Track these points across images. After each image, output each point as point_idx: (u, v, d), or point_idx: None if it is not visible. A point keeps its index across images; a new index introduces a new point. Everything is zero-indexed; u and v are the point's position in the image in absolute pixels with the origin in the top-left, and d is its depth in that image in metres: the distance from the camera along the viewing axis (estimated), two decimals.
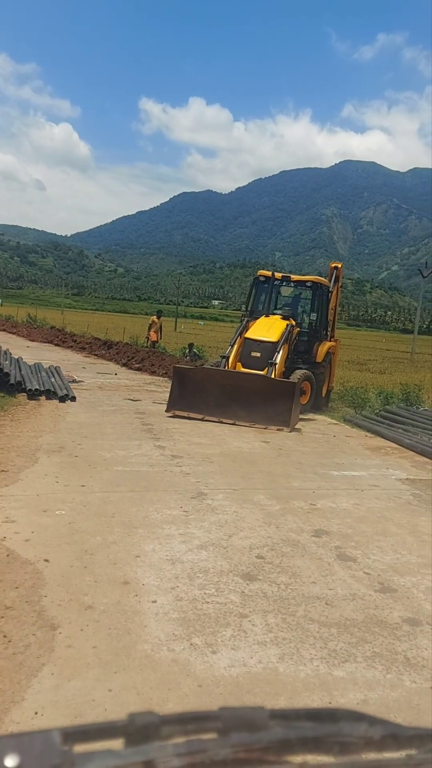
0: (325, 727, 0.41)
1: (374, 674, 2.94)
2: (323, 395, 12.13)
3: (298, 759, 0.39)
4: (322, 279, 12.66)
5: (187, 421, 9.29)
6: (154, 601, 3.45)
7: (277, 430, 9.21)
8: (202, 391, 9.69)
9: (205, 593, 3.61)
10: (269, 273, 12.19)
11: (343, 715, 0.42)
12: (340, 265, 13.36)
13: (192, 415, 9.49)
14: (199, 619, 3.30)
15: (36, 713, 2.42)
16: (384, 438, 9.53)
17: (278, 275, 12.17)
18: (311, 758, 0.39)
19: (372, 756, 0.40)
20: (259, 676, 2.83)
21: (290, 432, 9.20)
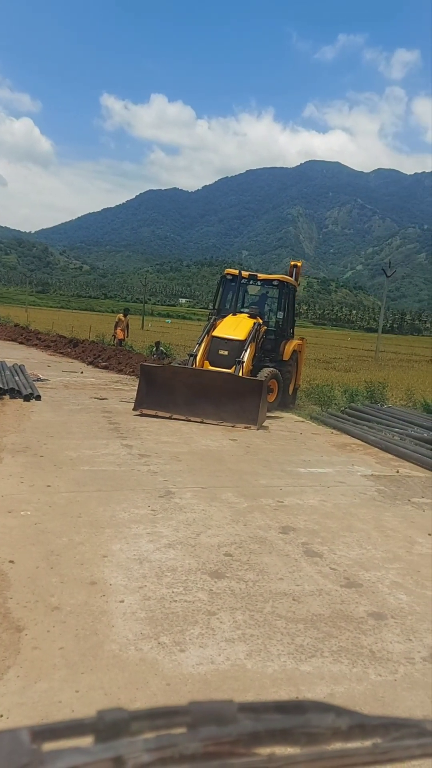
0: (292, 718, 0.42)
1: (340, 668, 2.98)
2: (290, 393, 12.22)
3: (266, 751, 0.40)
4: (289, 278, 12.75)
5: (155, 419, 9.26)
6: (122, 601, 3.43)
7: (245, 428, 9.25)
8: (169, 389, 9.67)
9: (173, 592, 3.61)
10: (236, 271, 12.22)
11: (310, 706, 0.43)
12: (299, 264, 13.48)
13: (159, 413, 9.46)
14: (167, 617, 3.30)
15: (1, 716, 2.39)
16: (350, 435, 9.65)
17: (245, 274, 12.22)
18: (279, 750, 0.40)
19: (339, 746, 0.41)
20: (227, 673, 2.84)
21: (258, 430, 9.25)
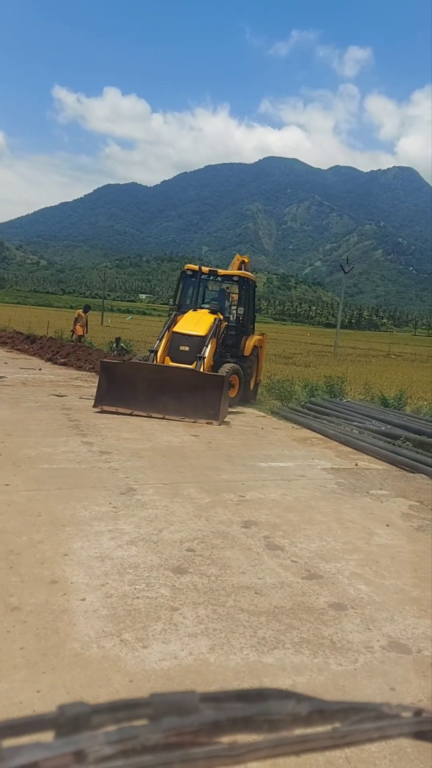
0: (254, 706, 0.43)
1: (302, 659, 3.02)
2: (251, 388, 12.30)
3: (228, 739, 0.40)
4: (249, 274, 12.81)
5: (116, 416, 9.19)
6: (84, 599, 3.40)
7: (207, 423, 9.26)
8: (130, 385, 9.61)
9: (135, 588, 3.59)
10: (196, 267, 12.22)
11: (271, 694, 0.43)
12: (246, 259, 13.52)
13: (120, 410, 9.39)
14: (130, 614, 3.29)
15: None
16: (310, 429, 9.77)
17: (205, 269, 12.23)
18: (241, 737, 0.40)
19: (299, 731, 0.42)
20: (190, 667, 2.85)
21: (219, 425, 9.27)
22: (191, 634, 3.14)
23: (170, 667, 2.84)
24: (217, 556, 4.21)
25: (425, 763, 2.33)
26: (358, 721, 0.43)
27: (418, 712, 0.46)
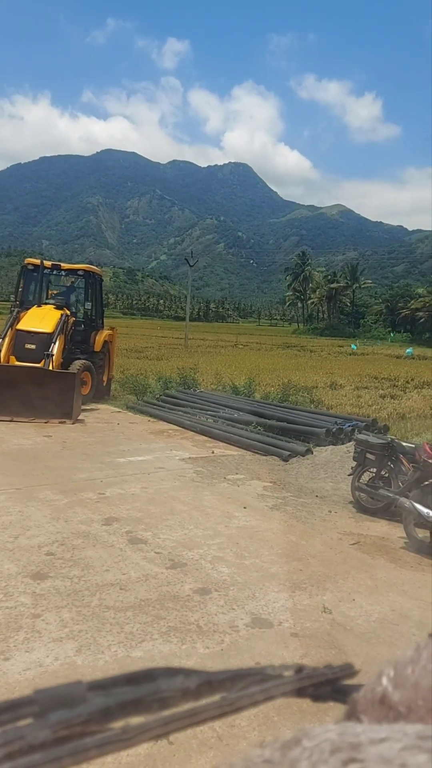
0: (143, 687, 0.42)
1: (171, 648, 3.05)
2: (104, 384, 12.13)
3: (120, 724, 0.39)
4: (94, 267, 12.58)
5: None
6: None
7: (60, 422, 8.98)
8: None
9: None
10: (38, 261, 11.76)
11: (159, 673, 0.43)
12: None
13: None
14: None
15: None
16: (166, 421, 9.85)
17: (48, 263, 11.80)
18: (133, 719, 0.40)
19: (190, 705, 0.42)
20: (57, 673, 2.76)
21: (73, 424, 9.04)
22: (56, 639, 3.04)
23: (35, 675, 2.73)
24: (79, 557, 4.11)
25: (290, 727, 2.46)
26: (244, 686, 0.44)
27: (299, 670, 0.48)
